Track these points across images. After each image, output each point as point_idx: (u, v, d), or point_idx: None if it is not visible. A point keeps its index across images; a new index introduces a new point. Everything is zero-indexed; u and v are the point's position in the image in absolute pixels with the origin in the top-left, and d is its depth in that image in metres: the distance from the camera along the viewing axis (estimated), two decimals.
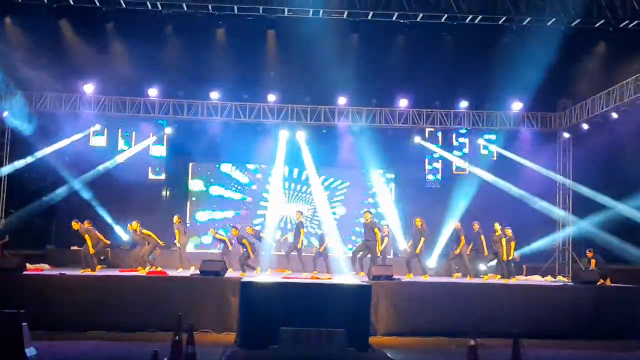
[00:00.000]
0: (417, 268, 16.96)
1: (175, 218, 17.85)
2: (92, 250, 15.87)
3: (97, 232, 16.33)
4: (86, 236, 15.91)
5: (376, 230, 16.97)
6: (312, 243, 21.02)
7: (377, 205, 22.65)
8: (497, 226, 17.46)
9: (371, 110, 21.48)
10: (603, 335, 13.84)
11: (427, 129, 21.99)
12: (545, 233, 21.46)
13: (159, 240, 16.80)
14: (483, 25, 18.46)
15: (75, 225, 15.99)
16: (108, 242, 16.76)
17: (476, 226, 17.88)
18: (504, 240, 17.21)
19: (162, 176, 22.39)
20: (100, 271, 16.13)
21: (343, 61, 18.99)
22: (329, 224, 21.09)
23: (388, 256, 18.80)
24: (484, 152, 22.32)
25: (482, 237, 17.71)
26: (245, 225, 18.63)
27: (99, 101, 20.87)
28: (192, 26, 18.84)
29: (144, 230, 16.75)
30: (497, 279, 16.84)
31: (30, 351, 10.08)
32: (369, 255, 16.94)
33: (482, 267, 18.50)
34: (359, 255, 17.16)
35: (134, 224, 16.84)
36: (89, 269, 15.47)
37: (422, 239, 17.00)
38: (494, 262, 17.55)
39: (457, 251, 17.79)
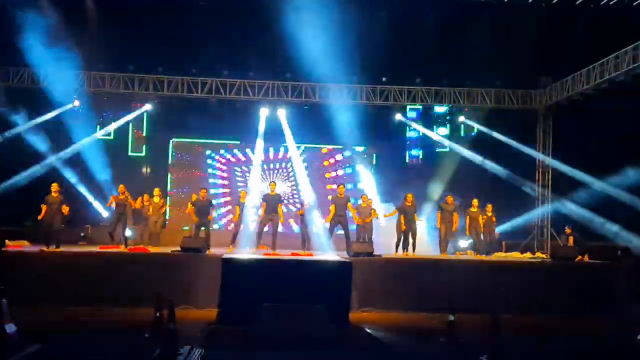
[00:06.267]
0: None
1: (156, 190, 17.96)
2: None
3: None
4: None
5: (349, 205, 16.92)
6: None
7: (358, 181, 22.78)
8: (475, 202, 17.64)
9: (352, 87, 21.36)
10: (581, 311, 14.04)
11: (409, 106, 21.90)
12: (524, 210, 21.58)
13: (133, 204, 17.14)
14: (467, 2, 18.51)
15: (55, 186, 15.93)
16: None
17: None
18: (481, 218, 17.44)
19: (143, 153, 22.16)
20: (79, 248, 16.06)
21: (325, 37, 18.85)
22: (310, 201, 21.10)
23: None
24: (467, 129, 22.26)
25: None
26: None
27: (78, 77, 20.53)
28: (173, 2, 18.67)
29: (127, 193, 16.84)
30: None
31: (9, 327, 10.05)
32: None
33: (462, 243, 18.70)
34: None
35: (121, 186, 16.90)
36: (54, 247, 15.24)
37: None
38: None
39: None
